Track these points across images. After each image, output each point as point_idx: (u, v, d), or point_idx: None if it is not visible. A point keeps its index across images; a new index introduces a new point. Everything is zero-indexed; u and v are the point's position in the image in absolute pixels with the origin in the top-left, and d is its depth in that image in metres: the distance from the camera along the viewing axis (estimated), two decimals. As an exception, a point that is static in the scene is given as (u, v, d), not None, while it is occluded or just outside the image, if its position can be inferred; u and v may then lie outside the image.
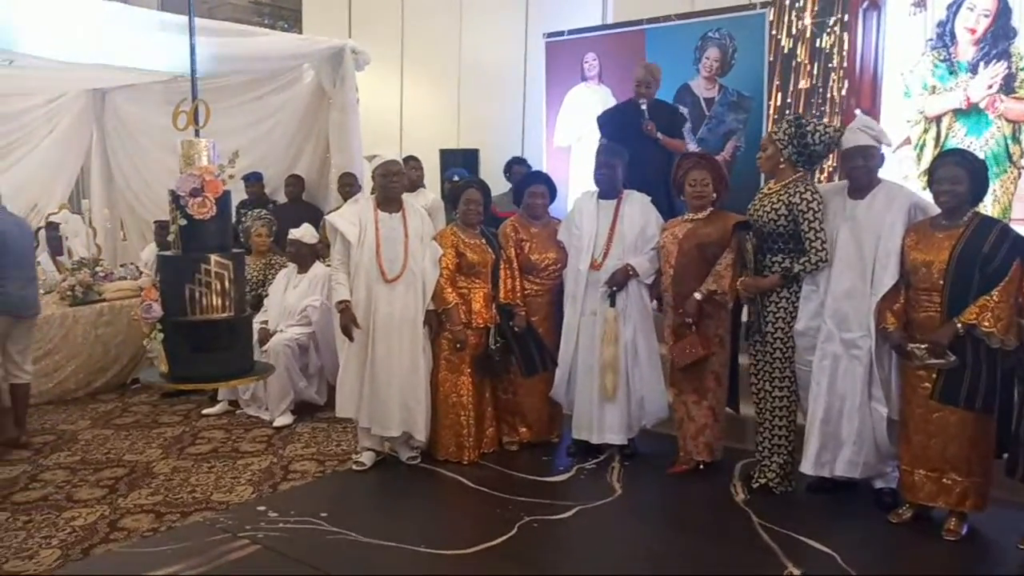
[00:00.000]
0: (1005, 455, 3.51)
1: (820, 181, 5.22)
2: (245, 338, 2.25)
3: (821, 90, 5.67)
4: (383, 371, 4.34)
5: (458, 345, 4.45)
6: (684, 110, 5.99)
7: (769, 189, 4.00)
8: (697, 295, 4.09)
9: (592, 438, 4.51)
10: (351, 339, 4.31)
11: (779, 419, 4.02)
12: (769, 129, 4.13)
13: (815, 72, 5.70)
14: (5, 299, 4.63)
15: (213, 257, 2.13)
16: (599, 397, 4.44)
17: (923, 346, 3.50)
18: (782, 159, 3.91)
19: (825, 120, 4.05)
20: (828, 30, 5.57)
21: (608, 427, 4.46)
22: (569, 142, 6.88)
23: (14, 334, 4.79)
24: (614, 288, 4.38)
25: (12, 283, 4.65)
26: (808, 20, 5.66)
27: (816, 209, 3.79)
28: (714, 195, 4.19)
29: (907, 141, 5.32)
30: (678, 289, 4.21)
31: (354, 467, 4.47)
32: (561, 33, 6.82)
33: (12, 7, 4.64)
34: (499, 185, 6.09)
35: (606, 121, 5.53)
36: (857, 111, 5.32)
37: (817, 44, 5.67)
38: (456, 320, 4.44)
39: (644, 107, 5.28)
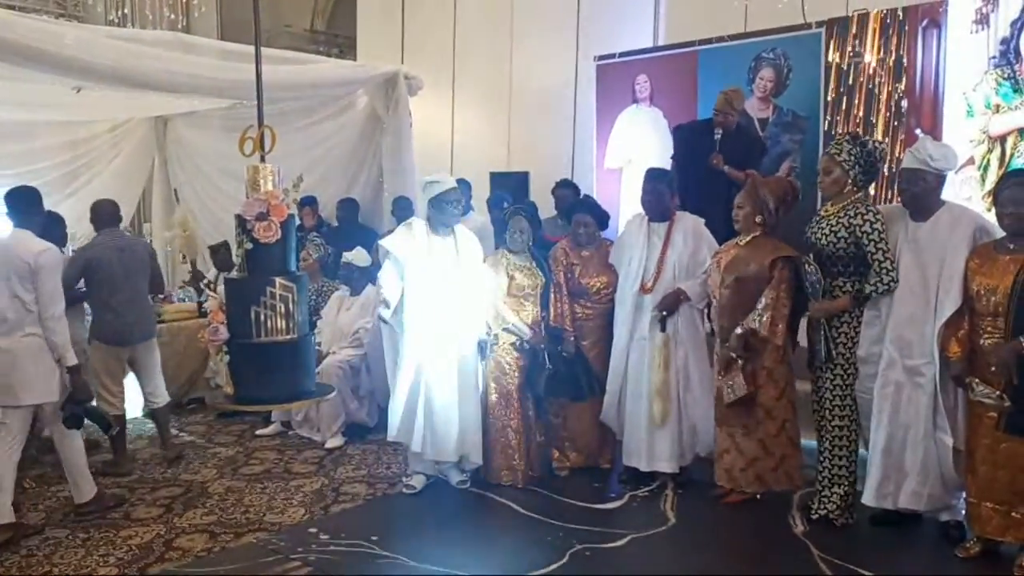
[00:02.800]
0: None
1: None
2: (308, 360, 2.27)
3: (879, 111, 5.56)
4: (439, 396, 4.33)
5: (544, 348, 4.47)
6: (765, 138, 5.88)
7: (826, 211, 3.89)
8: (739, 330, 3.97)
9: (642, 465, 4.44)
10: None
11: (840, 448, 3.90)
12: (828, 150, 3.98)
13: (873, 93, 5.60)
14: (103, 328, 4.69)
15: (278, 280, 2.16)
16: (649, 424, 4.37)
17: (982, 385, 3.42)
18: (849, 180, 3.81)
19: (874, 138, 3.96)
20: (885, 52, 5.47)
21: (659, 455, 4.39)
22: (620, 164, 6.85)
23: (136, 362, 4.88)
24: (664, 313, 4.32)
25: (109, 311, 4.67)
26: (868, 40, 5.56)
27: (880, 230, 3.70)
28: (757, 218, 4.06)
29: (970, 161, 5.17)
30: (722, 322, 4.11)
31: (404, 490, 4.47)
32: (612, 55, 6.82)
33: (80, 39, 4.81)
34: (550, 208, 6.09)
35: (679, 136, 5.50)
36: (918, 131, 5.21)
37: (875, 64, 5.56)
38: (534, 335, 4.47)
39: (718, 137, 5.17)
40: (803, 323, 4.11)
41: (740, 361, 3.99)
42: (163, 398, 5.06)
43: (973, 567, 3.51)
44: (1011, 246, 3.41)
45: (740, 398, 3.99)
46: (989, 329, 3.43)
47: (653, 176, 4.53)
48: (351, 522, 4.08)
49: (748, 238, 4.07)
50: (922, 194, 3.67)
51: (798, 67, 5.87)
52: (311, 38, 12.00)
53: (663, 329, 4.32)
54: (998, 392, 3.38)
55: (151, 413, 4.98)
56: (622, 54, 6.78)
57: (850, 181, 3.80)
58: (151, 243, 7.40)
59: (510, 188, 7.15)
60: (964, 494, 3.63)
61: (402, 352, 4.37)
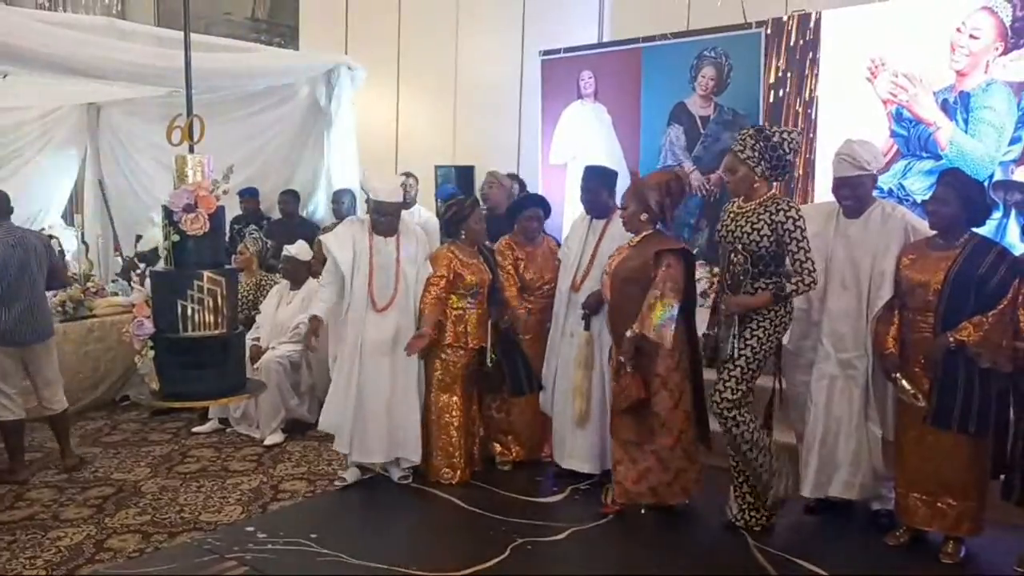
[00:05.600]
0: (1001, 476, 3.48)
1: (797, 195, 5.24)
2: (237, 355, 2.22)
3: (813, 109, 5.69)
4: (371, 398, 4.29)
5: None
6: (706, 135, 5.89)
7: (739, 208, 3.68)
8: (629, 333, 3.73)
9: (563, 463, 4.43)
10: (309, 348, 4.36)
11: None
12: (732, 146, 3.71)
13: (808, 91, 5.72)
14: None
15: (206, 274, 2.10)
16: (571, 421, 4.35)
17: (905, 381, 3.52)
18: (756, 177, 3.61)
19: (781, 127, 3.78)
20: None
21: (578, 454, 4.36)
22: (565, 160, 6.88)
23: (32, 364, 4.56)
24: (586, 311, 4.28)
25: (4, 310, 4.36)
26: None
27: (803, 227, 3.52)
28: (642, 216, 3.84)
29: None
30: (614, 327, 3.92)
31: (337, 483, 4.44)
32: (557, 51, 6.85)
33: (8, 22, 4.64)
34: (495, 203, 6.07)
35: None
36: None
37: (810, 62, 5.69)
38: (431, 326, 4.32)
39: (484, 211, 4.80)
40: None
41: (630, 367, 3.76)
42: (60, 404, 4.67)
43: (902, 555, 3.61)
44: (942, 243, 3.51)
45: (631, 405, 3.78)
46: (920, 324, 3.52)
47: (589, 173, 4.51)
48: (290, 520, 4.02)
49: (639, 238, 3.90)
50: (863, 197, 3.73)
51: (738, 66, 5.98)
52: (252, 27, 11.77)
53: (587, 328, 4.28)
54: (912, 391, 3.50)
55: (48, 420, 4.67)
56: (567, 50, 6.82)
57: (758, 177, 3.61)
58: (83, 236, 7.20)
59: (454, 182, 7.13)
60: (894, 484, 3.73)
61: (341, 351, 4.34)
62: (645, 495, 3.93)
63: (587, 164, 4.73)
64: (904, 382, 3.53)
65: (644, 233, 3.88)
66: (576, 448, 4.37)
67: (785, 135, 3.63)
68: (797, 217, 3.53)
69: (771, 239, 3.56)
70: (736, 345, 3.63)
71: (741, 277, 3.64)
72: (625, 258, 3.91)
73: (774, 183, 3.72)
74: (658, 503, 3.96)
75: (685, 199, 3.97)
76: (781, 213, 3.54)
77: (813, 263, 3.53)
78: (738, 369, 3.62)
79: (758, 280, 3.62)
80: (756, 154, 3.58)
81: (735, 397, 3.61)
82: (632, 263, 3.84)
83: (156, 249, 6.23)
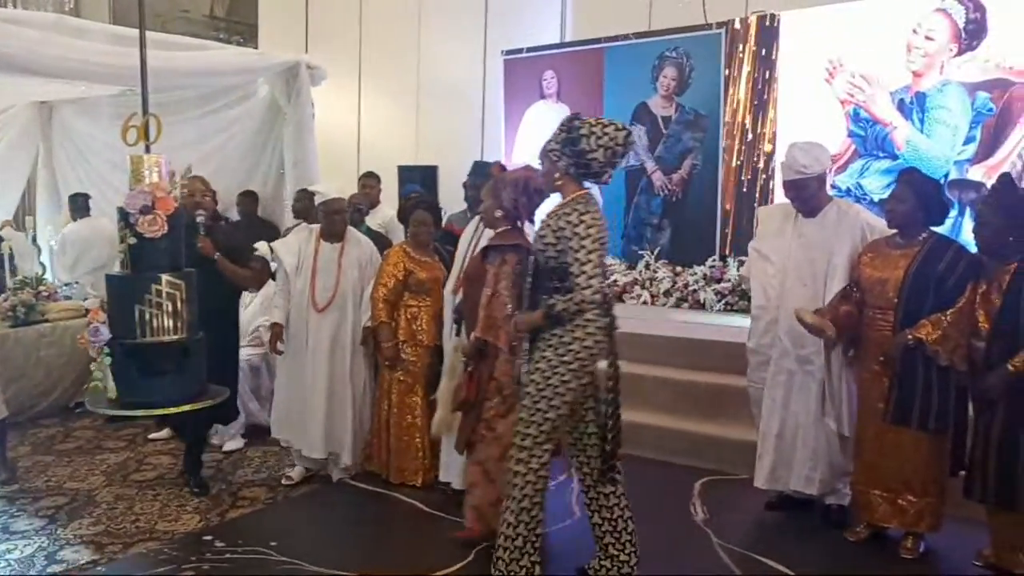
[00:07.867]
0: (961, 472, 3.54)
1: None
2: (198, 361, 2.16)
3: (772, 109, 5.75)
4: (312, 394, 4.40)
5: (387, 363, 4.36)
6: (667, 136, 5.90)
7: (550, 209, 3.20)
8: (473, 335, 3.54)
9: (440, 474, 4.20)
10: (275, 352, 4.45)
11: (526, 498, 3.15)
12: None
13: (767, 91, 5.78)
14: None
15: (164, 277, 2.05)
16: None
17: (810, 320, 3.54)
18: (558, 173, 3.10)
19: (604, 119, 3.09)
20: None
21: (452, 467, 4.06)
22: (528, 159, 6.87)
23: None
24: (456, 315, 3.98)
25: None
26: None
27: (582, 234, 2.96)
28: (497, 213, 3.56)
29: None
30: (467, 327, 3.71)
31: (284, 482, 4.47)
32: (520, 51, 6.85)
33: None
34: (458, 202, 6.03)
35: None
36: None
37: (768, 63, 5.75)
38: (387, 336, 4.34)
39: (201, 220, 4.32)
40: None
41: (468, 367, 3.57)
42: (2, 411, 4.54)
43: (863, 550, 3.66)
44: (901, 241, 3.55)
45: (459, 405, 3.59)
46: (880, 322, 3.57)
47: (475, 169, 4.38)
48: (249, 528, 3.95)
49: (495, 235, 3.67)
50: (810, 198, 3.78)
51: (699, 66, 6.03)
52: (210, 24, 11.61)
53: (456, 334, 3.96)
54: (814, 323, 3.52)
55: None
56: (529, 49, 6.82)
57: (561, 172, 3.08)
58: (35, 239, 7.00)
59: (417, 182, 7.09)
60: (850, 480, 3.77)
61: (286, 352, 4.47)
62: (468, 515, 3.65)
63: (475, 160, 4.64)
64: (806, 316, 3.54)
65: (500, 230, 3.61)
66: (451, 462, 4.08)
67: (596, 128, 3.03)
68: (578, 223, 2.98)
69: (557, 248, 3.03)
70: (525, 372, 3.14)
71: (528, 290, 3.20)
72: (476, 257, 3.70)
73: (587, 185, 3.13)
74: (486, 530, 3.55)
75: (544, 198, 3.52)
76: (563, 219, 3.02)
77: (588, 278, 2.95)
78: (525, 410, 3.09)
79: (552, 297, 3.05)
80: (560, 146, 3.08)
81: (523, 443, 3.08)
82: (476, 260, 3.67)
83: None
